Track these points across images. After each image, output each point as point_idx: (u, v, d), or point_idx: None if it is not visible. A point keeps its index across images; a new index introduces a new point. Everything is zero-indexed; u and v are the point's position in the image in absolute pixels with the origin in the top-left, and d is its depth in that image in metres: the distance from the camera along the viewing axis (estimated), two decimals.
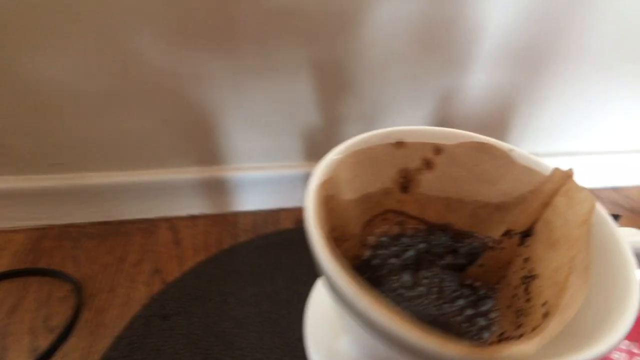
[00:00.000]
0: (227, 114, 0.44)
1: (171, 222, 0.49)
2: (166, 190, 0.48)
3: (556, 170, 0.23)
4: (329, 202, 0.23)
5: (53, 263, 0.44)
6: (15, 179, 0.44)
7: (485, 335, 0.23)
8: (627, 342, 0.34)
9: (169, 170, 0.47)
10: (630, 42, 0.49)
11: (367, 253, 0.27)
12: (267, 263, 0.46)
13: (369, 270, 0.27)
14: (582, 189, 0.21)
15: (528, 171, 0.26)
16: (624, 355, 0.34)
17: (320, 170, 0.23)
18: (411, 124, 0.51)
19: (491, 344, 0.20)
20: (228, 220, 0.50)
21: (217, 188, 0.49)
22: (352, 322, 0.19)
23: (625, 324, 0.17)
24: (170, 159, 0.46)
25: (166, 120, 0.43)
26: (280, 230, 0.50)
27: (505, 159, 0.27)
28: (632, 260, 0.18)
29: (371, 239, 0.28)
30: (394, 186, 0.28)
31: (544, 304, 0.20)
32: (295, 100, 0.45)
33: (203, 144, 0.46)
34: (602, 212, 0.21)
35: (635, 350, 0.34)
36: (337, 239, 0.25)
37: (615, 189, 0.64)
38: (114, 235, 0.47)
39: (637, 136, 0.60)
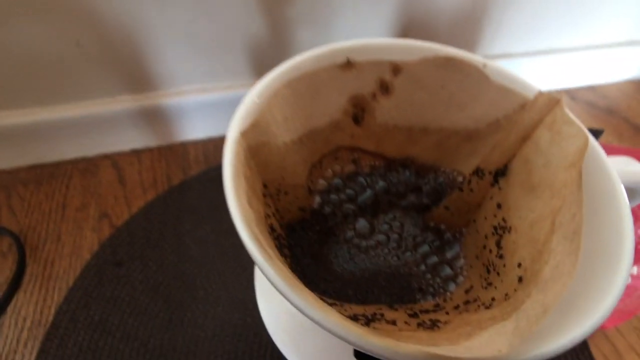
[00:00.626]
0: (151, 30, 0.36)
1: (113, 159, 0.44)
2: (102, 124, 0.42)
3: (540, 94, 0.18)
4: (259, 154, 0.19)
5: None
6: None
7: (451, 287, 0.21)
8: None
9: (99, 102, 0.41)
10: None
11: (316, 200, 0.23)
12: (222, 197, 0.42)
13: (320, 221, 0.23)
14: (573, 121, 0.16)
15: (505, 92, 0.21)
16: None
17: (239, 115, 0.18)
18: (371, 29, 0.43)
19: (456, 307, 0.18)
20: (176, 152, 0.45)
21: (160, 117, 0.43)
22: None
23: (612, 298, 0.14)
24: (96, 88, 0.39)
25: (79, 42, 0.35)
26: None
27: (477, 77, 0.22)
28: (628, 214, 0.15)
29: (321, 184, 0.24)
30: (344, 118, 0.23)
31: (519, 265, 0.17)
32: (232, 5, 0.37)
33: (131, 68, 0.39)
34: (597, 149, 0.17)
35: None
36: (274, 193, 0.20)
37: (591, 88, 0.59)
38: (51, 178, 0.42)
39: (616, 29, 0.53)
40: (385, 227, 0.24)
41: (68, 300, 0.36)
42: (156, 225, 0.40)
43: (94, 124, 0.41)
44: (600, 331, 0.36)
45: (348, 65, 0.22)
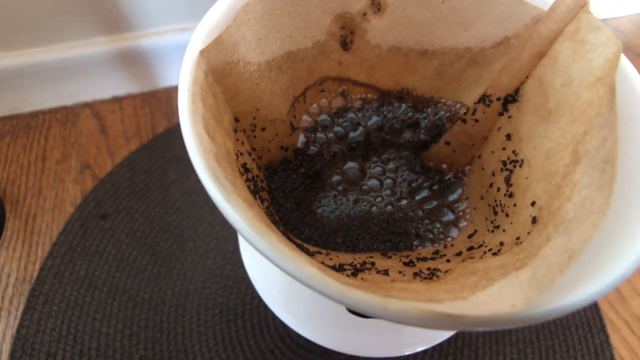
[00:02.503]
0: None
1: (93, 108, 0.41)
2: (79, 70, 0.39)
3: None
4: (225, 78, 0.16)
5: None
6: None
7: (453, 232, 0.18)
8: None
9: (73, 44, 0.37)
10: None
11: (300, 139, 0.21)
12: None
13: (304, 162, 0.21)
14: (602, 26, 0.13)
15: (517, 5, 0.18)
16: None
17: (200, 31, 0.15)
18: None
19: (459, 254, 0.16)
20: (159, 98, 0.42)
21: (140, 61, 0.39)
22: None
23: None
24: (69, 29, 0.36)
25: None
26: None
27: None
28: None
29: (306, 120, 0.21)
30: (330, 42, 0.20)
31: (532, 204, 0.14)
32: None
33: (105, 6, 0.35)
34: (626, 65, 0.13)
35: None
36: (247, 129, 0.18)
37: (603, 21, 0.54)
38: (29, 129, 0.40)
39: None
40: (378, 170, 0.21)
41: (52, 255, 0.35)
42: (141, 176, 0.38)
43: (70, 70, 0.38)
44: None
45: None
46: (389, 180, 0.21)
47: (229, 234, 0.36)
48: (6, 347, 0.31)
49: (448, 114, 0.21)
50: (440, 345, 0.32)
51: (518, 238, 0.14)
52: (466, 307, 0.10)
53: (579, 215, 0.11)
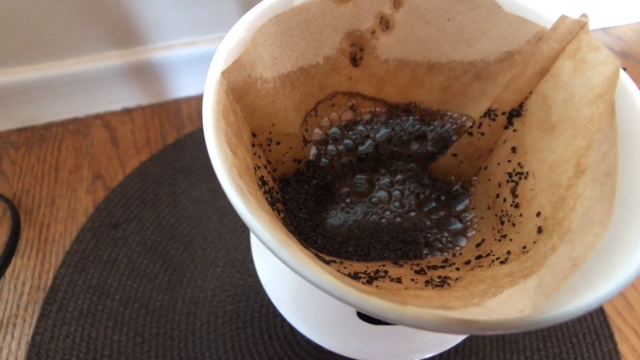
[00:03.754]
0: None
1: (104, 119, 0.42)
2: (91, 83, 0.40)
3: (562, 18, 0.16)
4: (244, 97, 0.17)
5: None
6: None
7: (461, 241, 0.19)
8: None
9: (86, 58, 0.38)
10: None
11: (312, 152, 0.22)
12: None
13: (316, 174, 0.21)
14: (600, 46, 0.14)
15: (519, 23, 0.18)
16: None
17: (221, 53, 0.16)
18: None
19: (467, 262, 0.16)
20: (169, 109, 0.43)
21: (150, 73, 0.40)
22: None
23: None
24: (83, 44, 0.37)
25: None
26: None
27: (487, 7, 0.19)
28: None
29: (317, 133, 0.22)
30: (340, 58, 0.21)
31: (538, 214, 0.15)
32: None
33: (117, 21, 0.36)
34: (626, 82, 0.14)
35: None
36: (264, 143, 0.19)
37: (605, 30, 0.55)
38: (42, 141, 0.41)
39: None
40: (387, 181, 0.22)
41: (66, 264, 0.35)
42: (151, 185, 0.39)
43: (83, 83, 0.39)
44: None
45: None
46: (397, 192, 0.22)
47: (238, 243, 0.37)
48: (21, 355, 0.32)
49: (454, 126, 0.22)
50: (448, 352, 0.32)
51: (524, 247, 0.14)
52: (478, 312, 0.11)
53: (582, 226, 0.12)
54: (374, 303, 0.11)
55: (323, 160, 0.22)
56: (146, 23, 0.37)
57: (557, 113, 0.15)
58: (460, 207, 0.20)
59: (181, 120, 0.42)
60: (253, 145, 0.17)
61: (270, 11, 0.18)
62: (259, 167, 0.17)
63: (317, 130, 0.22)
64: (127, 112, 0.42)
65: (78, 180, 0.39)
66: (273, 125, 0.18)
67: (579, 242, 0.12)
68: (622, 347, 0.32)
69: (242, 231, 0.37)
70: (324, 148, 0.22)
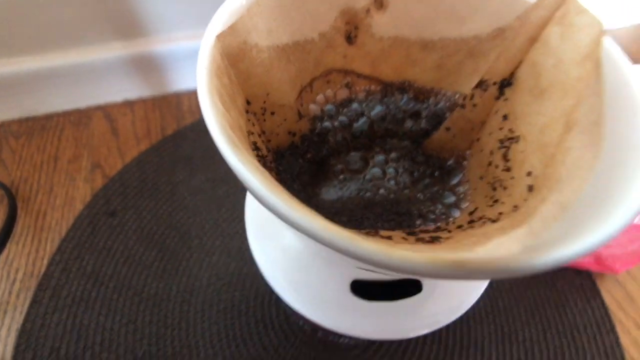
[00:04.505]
0: None
1: (105, 110, 0.42)
2: (93, 73, 0.40)
3: None
4: (239, 63, 0.17)
5: None
6: None
7: (455, 213, 0.19)
8: None
9: (89, 49, 0.39)
10: None
11: (307, 127, 0.22)
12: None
13: (311, 148, 0.22)
14: (586, 10, 0.14)
15: (510, 1, 0.19)
16: None
17: (217, 18, 0.16)
18: None
19: (460, 226, 0.16)
20: (170, 101, 0.43)
21: (152, 65, 0.41)
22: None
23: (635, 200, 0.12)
24: (85, 34, 0.38)
25: None
26: None
27: None
28: None
29: (313, 109, 0.22)
30: (336, 36, 0.21)
31: (528, 174, 0.15)
32: None
33: (120, 12, 0.37)
34: (611, 45, 0.15)
35: None
36: (258, 112, 0.19)
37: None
38: (43, 130, 0.41)
39: None
40: (381, 158, 0.22)
41: (61, 251, 0.35)
42: (150, 175, 0.39)
43: (85, 73, 0.40)
44: (612, 276, 0.35)
45: None
46: (391, 170, 0.22)
47: (234, 232, 0.37)
48: (11, 341, 0.32)
49: (448, 104, 0.22)
50: (446, 343, 0.32)
51: (516, 206, 0.14)
52: (467, 254, 0.11)
53: (570, 174, 0.12)
54: (361, 245, 0.11)
55: (318, 134, 0.22)
56: (150, 15, 0.38)
57: (547, 78, 0.16)
58: (454, 181, 0.20)
59: (182, 112, 0.42)
60: (247, 112, 0.18)
61: None
62: (252, 133, 0.18)
63: (312, 106, 0.22)
64: (128, 103, 0.43)
65: (77, 169, 0.39)
66: (267, 94, 0.19)
67: (567, 188, 0.12)
68: (624, 340, 0.32)
69: (238, 220, 0.37)
70: (319, 124, 0.22)
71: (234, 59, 0.17)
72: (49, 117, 0.42)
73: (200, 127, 0.42)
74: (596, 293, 0.35)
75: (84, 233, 0.36)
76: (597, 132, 0.12)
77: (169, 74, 0.42)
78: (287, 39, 0.19)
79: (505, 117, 0.18)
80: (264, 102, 0.19)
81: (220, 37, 0.16)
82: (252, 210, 0.24)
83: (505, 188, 0.16)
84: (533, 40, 0.16)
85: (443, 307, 0.22)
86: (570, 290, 0.35)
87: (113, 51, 0.39)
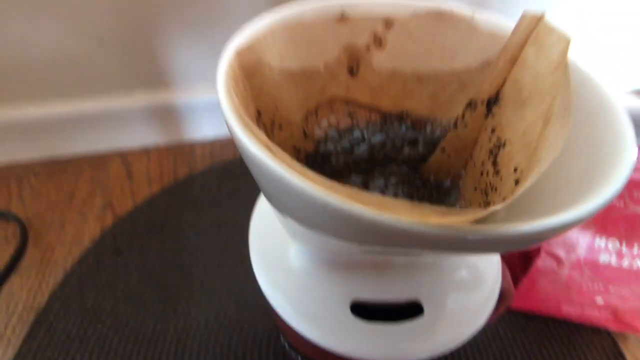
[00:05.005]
0: (169, 28, 0.39)
1: (123, 155, 0.45)
2: (115, 120, 0.43)
3: (524, 15, 0.18)
4: (253, 77, 0.19)
5: None
6: None
7: None
8: (617, 241, 0.31)
9: (114, 97, 0.43)
10: None
11: (311, 147, 0.23)
12: (225, 191, 0.43)
13: (314, 168, 0.23)
14: (554, 29, 0.17)
15: (493, 38, 0.21)
16: (613, 257, 0.31)
17: (238, 36, 0.19)
18: None
19: None
20: (184, 150, 0.46)
21: (170, 114, 0.44)
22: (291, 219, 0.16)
23: (620, 175, 0.13)
24: (114, 83, 0.42)
25: (102, 39, 0.38)
26: (239, 156, 0.46)
27: (466, 28, 0.22)
28: (619, 108, 0.15)
29: (317, 133, 0.24)
30: (339, 69, 0.23)
31: (515, 170, 0.16)
32: (246, 10, 0.39)
33: (148, 65, 0.41)
34: (575, 59, 0.17)
35: (625, 250, 0.31)
36: (267, 124, 0.21)
37: None
38: (63, 171, 0.43)
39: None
40: (381, 183, 0.24)
41: (63, 285, 0.35)
42: (158, 215, 0.40)
43: (108, 120, 0.43)
44: (635, 337, 0.34)
45: (342, 18, 0.23)
46: (390, 193, 0.23)
47: (236, 275, 0.37)
48: None
49: (443, 132, 0.23)
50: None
51: (504, 199, 0.15)
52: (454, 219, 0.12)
53: (546, 155, 0.13)
54: (394, 218, 0.11)
55: (322, 155, 0.23)
56: (175, 68, 0.42)
57: (527, 90, 0.17)
58: (451, 200, 0.21)
59: (194, 159, 0.45)
60: (257, 121, 0.19)
61: (281, 19, 0.21)
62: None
63: (317, 129, 0.24)
64: (145, 150, 0.45)
65: (89, 207, 0.40)
66: (277, 108, 0.21)
67: (542, 163, 0.13)
68: None
69: (241, 262, 0.37)
70: (323, 146, 0.24)
71: (249, 73, 0.19)
72: (70, 159, 0.44)
73: (210, 172, 0.44)
74: (619, 354, 0.33)
75: (88, 269, 0.36)
76: (567, 115, 0.14)
77: (186, 123, 0.45)
78: (296, 66, 0.22)
79: (493, 131, 0.19)
80: (274, 115, 0.21)
81: (239, 51, 0.18)
82: (257, 232, 0.25)
83: (495, 189, 0.17)
84: (514, 61, 0.18)
85: (445, 332, 0.21)
86: (590, 349, 0.34)
87: (137, 99, 0.43)
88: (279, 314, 0.22)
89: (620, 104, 0.15)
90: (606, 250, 0.31)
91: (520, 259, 0.35)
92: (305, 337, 0.21)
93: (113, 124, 0.43)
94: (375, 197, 0.12)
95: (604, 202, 0.12)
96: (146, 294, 0.35)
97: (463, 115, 0.21)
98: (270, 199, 0.16)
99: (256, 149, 0.13)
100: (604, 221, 0.31)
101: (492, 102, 0.20)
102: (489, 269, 0.24)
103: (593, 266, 0.32)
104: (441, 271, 0.23)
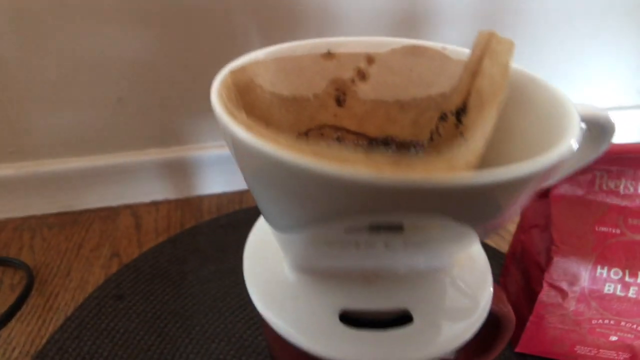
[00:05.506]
0: (184, 89, 0.43)
1: (133, 209, 0.47)
2: (127, 175, 0.46)
3: (479, 33, 0.21)
4: (246, 95, 0.22)
5: (9, 253, 0.42)
6: None
7: None
8: (619, 271, 0.30)
9: (128, 153, 0.46)
10: None
11: None
12: (230, 241, 0.43)
13: None
14: (503, 38, 0.19)
15: (462, 64, 0.24)
16: (618, 287, 0.30)
17: (233, 63, 0.22)
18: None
19: None
20: (192, 203, 0.48)
21: (180, 171, 0.47)
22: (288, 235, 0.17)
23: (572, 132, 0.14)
24: (128, 141, 0.45)
25: (120, 98, 0.42)
26: (244, 208, 0.47)
27: (439, 59, 0.25)
28: (562, 96, 0.17)
29: None
30: (327, 99, 0.26)
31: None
32: None
33: (163, 123, 0.45)
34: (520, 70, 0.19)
35: (629, 279, 0.30)
36: None
37: None
38: (74, 223, 0.45)
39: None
40: None
41: (62, 329, 0.35)
42: (163, 263, 0.41)
43: (121, 174, 0.46)
44: None
45: (329, 55, 0.26)
46: None
47: (237, 320, 0.36)
48: None
49: (425, 151, 0.25)
50: None
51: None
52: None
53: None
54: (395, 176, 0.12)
55: None
56: (186, 126, 0.45)
57: (486, 93, 0.19)
58: None
59: (201, 213, 0.46)
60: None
61: (271, 54, 0.24)
62: None
63: None
64: (154, 204, 0.47)
65: (96, 256, 0.41)
66: (268, 125, 0.23)
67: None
68: None
69: (243, 309, 0.37)
70: None
71: (242, 90, 0.21)
72: (82, 212, 0.46)
73: (216, 223, 0.45)
74: None
75: (89, 314, 0.36)
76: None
77: (195, 179, 0.48)
78: (287, 93, 0.24)
79: (462, 134, 0.21)
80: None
81: (233, 70, 0.21)
82: (251, 248, 0.26)
83: None
84: (475, 74, 0.21)
85: (435, 338, 0.21)
86: None
87: (149, 156, 0.46)
88: (267, 322, 0.22)
89: (562, 94, 0.17)
90: (609, 279, 0.30)
91: (526, 300, 0.34)
92: (294, 346, 0.21)
93: (126, 180, 0.46)
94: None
95: (562, 152, 0.14)
96: (144, 339, 0.35)
97: (437, 128, 0.23)
98: (245, 171, 0.17)
99: (232, 124, 0.15)
100: (603, 250, 0.31)
101: (461, 112, 0.22)
102: (480, 279, 0.24)
103: (599, 298, 0.31)
104: (431, 281, 0.23)
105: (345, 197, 0.14)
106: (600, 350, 0.32)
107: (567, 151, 0.14)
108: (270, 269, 0.24)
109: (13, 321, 0.36)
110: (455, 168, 0.13)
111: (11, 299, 0.37)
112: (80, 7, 0.38)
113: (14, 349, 0.34)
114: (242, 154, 0.15)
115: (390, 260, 0.21)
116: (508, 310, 0.25)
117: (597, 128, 0.21)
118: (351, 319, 0.22)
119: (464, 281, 0.24)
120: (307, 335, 0.21)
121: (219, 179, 0.49)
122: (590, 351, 0.33)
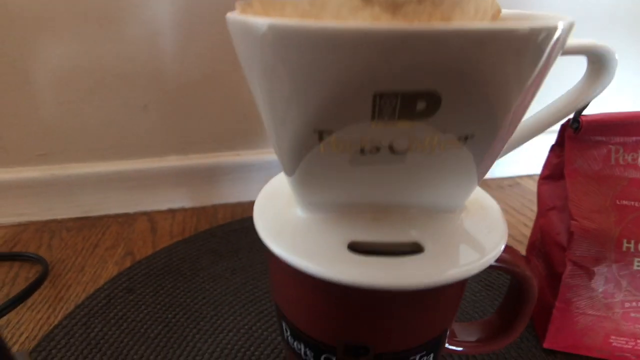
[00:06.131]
0: (210, 98, 0.46)
1: (150, 215, 0.47)
2: (146, 182, 0.47)
3: None
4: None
5: (28, 250, 0.42)
6: (4, 171, 0.45)
7: None
8: None
9: (148, 160, 0.47)
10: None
11: None
12: (243, 243, 0.43)
13: None
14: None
15: None
16: None
17: None
18: None
19: None
20: (207, 212, 0.48)
21: (197, 179, 0.48)
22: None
23: None
24: (151, 147, 0.47)
25: (146, 106, 0.45)
26: None
27: None
28: None
29: None
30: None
31: None
32: None
33: (184, 131, 0.47)
34: None
35: None
36: None
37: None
38: (92, 227, 0.46)
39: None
40: None
41: (71, 316, 0.35)
42: (175, 261, 0.40)
43: (140, 181, 0.47)
44: None
45: None
46: None
47: (247, 312, 0.35)
48: None
49: None
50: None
51: None
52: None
53: None
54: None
55: None
56: (205, 134, 0.47)
57: None
58: None
59: (216, 220, 0.47)
60: None
61: None
62: None
63: None
64: (171, 212, 0.48)
65: (111, 255, 0.41)
66: None
67: None
68: None
69: (254, 302, 0.36)
70: None
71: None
72: (101, 218, 0.47)
73: (230, 227, 0.45)
74: None
75: (99, 304, 0.36)
76: None
77: (212, 188, 0.49)
78: None
79: None
80: None
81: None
82: (263, 196, 0.26)
83: None
84: None
85: (444, 266, 0.20)
86: None
87: (168, 163, 0.47)
88: (276, 254, 0.21)
89: None
90: (637, 254, 0.29)
91: (550, 287, 0.32)
92: (301, 281, 0.20)
93: (144, 186, 0.47)
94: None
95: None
96: (151, 328, 0.34)
97: None
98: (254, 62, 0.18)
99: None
100: (627, 224, 0.30)
101: None
102: (492, 226, 0.23)
103: (630, 275, 0.29)
104: (441, 221, 0.22)
105: (349, 57, 0.14)
106: (638, 341, 0.30)
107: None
108: (280, 211, 0.24)
109: (24, 309, 0.35)
110: (464, 16, 0.14)
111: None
112: (111, 16, 0.42)
113: (21, 333, 0.33)
114: (253, 40, 0.16)
115: (397, 191, 0.21)
116: (527, 270, 0.24)
117: (598, 59, 0.22)
118: (360, 251, 0.21)
119: (475, 224, 0.23)
120: (317, 262, 0.20)
121: (233, 189, 0.50)
122: (627, 342, 0.30)
